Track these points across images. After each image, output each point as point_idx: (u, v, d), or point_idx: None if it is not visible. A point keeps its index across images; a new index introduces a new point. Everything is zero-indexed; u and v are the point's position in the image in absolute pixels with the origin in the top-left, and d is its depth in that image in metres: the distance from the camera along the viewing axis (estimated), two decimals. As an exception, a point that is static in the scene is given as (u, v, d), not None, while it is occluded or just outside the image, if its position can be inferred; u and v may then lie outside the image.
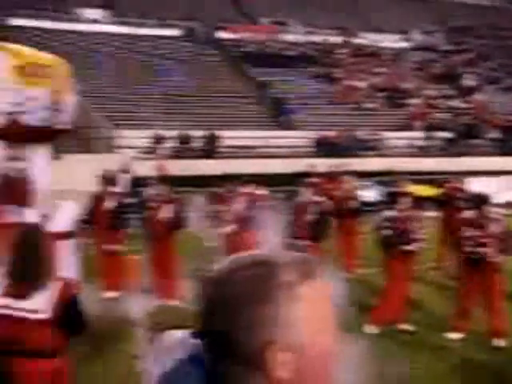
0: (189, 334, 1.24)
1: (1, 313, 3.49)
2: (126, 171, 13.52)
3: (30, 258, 3.53)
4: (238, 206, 8.93)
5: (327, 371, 1.06)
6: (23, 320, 3.44)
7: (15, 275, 3.53)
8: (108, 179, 8.91)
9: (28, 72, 6.27)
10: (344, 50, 32.69)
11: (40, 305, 3.45)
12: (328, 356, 1.05)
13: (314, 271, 1.06)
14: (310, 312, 1.03)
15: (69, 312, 3.51)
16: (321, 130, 23.37)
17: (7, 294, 3.50)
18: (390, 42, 35.20)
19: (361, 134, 23.76)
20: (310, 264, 1.08)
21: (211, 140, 21.16)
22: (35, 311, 3.44)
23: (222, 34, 32.06)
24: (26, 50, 6.87)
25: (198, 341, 1.11)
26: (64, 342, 3.61)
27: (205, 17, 32.10)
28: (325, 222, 8.47)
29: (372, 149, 23.55)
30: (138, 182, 12.62)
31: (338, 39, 34.03)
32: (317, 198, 8.65)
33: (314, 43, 33.01)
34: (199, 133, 21.06)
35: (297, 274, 1.04)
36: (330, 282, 1.09)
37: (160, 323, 6.81)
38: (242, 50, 30.59)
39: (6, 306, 3.47)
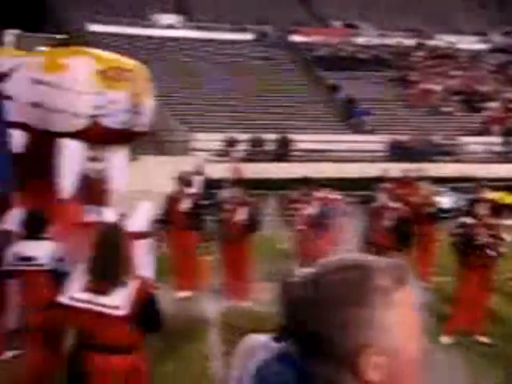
0: (270, 337, 1.24)
1: (81, 307, 3.59)
2: (199, 173, 13.71)
3: (110, 255, 3.62)
4: (312, 209, 8.89)
5: (415, 377, 1.08)
6: (102, 315, 3.52)
7: (96, 272, 3.62)
8: (183, 181, 9.06)
9: (110, 76, 6.45)
10: (419, 53, 32.04)
11: (119, 301, 3.53)
12: (416, 362, 1.07)
13: (406, 277, 1.08)
14: (403, 317, 1.05)
15: (146, 310, 3.57)
16: (394, 134, 23.01)
17: (88, 290, 3.60)
18: (467, 43, 34.23)
19: (436, 138, 23.22)
20: (403, 270, 1.09)
21: (284, 143, 21.19)
22: (114, 307, 3.52)
23: (295, 38, 32.06)
24: (108, 55, 7.09)
25: (281, 344, 1.12)
26: (140, 340, 3.68)
27: (277, 20, 32.20)
28: (404, 229, 8.29)
29: (448, 154, 22.97)
30: (211, 184, 12.76)
31: (413, 41, 33.38)
32: (393, 204, 8.49)
33: (387, 46, 32.51)
34: (272, 136, 21.14)
35: (391, 280, 1.06)
36: (415, 289, 1.10)
37: (233, 325, 6.85)
38: (314, 53, 30.49)
39: (87, 301, 3.57)
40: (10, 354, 5.52)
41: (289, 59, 30.09)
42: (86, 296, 3.59)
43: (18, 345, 5.38)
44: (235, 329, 6.57)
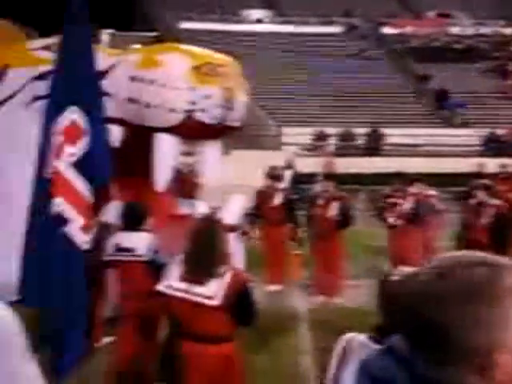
0: (369, 337, 1.21)
1: (178, 296, 3.67)
2: (289, 167, 13.74)
3: (206, 247, 3.69)
4: (406, 205, 8.68)
5: None
6: (198, 305, 3.59)
7: (192, 262, 3.70)
8: (274, 175, 9.10)
9: (204, 71, 6.55)
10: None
11: (213, 292, 3.58)
12: None
13: None
14: None
15: (240, 301, 3.60)
16: (489, 127, 22.13)
17: (184, 279, 3.67)
18: None
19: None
20: None
21: (375, 137, 20.86)
22: (210, 297, 3.57)
23: (386, 29, 31.42)
24: (202, 51, 7.20)
25: (381, 344, 1.09)
26: (233, 330, 3.72)
27: (367, 12, 31.68)
28: (503, 227, 7.94)
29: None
30: (301, 179, 12.76)
31: (510, 30, 31.92)
32: (492, 201, 8.16)
33: (483, 35, 31.27)
34: (362, 130, 20.86)
35: None
36: None
37: (324, 321, 6.81)
38: (406, 44, 29.78)
39: (183, 290, 3.64)
40: (106, 340, 5.72)
41: (380, 51, 29.53)
42: (182, 285, 3.67)
43: (115, 332, 5.56)
44: (326, 325, 6.52)
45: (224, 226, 4.57)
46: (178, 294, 3.67)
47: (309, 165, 13.70)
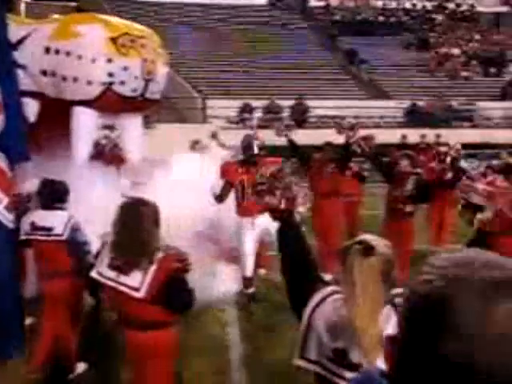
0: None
1: (108, 284, 3.53)
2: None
3: (130, 233, 3.47)
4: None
5: None
6: (124, 294, 3.44)
7: (117, 250, 3.51)
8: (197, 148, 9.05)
9: (121, 43, 6.39)
10: (438, 16, 31.40)
11: (139, 282, 3.40)
12: None
13: None
14: None
15: (169, 291, 3.40)
16: (413, 99, 22.70)
17: (112, 267, 3.50)
18: (487, 6, 33.45)
19: (455, 103, 22.89)
20: None
21: (300, 110, 21.02)
22: (134, 289, 3.41)
23: (311, 2, 31.53)
24: (120, 22, 7.00)
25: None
26: (166, 317, 3.53)
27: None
28: (425, 196, 8.25)
29: (467, 119, 22.65)
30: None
31: (432, 4, 32.69)
32: (415, 170, 8.44)
33: (405, 9, 31.89)
34: (288, 103, 20.96)
35: None
36: None
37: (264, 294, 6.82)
38: (331, 17, 30.01)
39: (112, 279, 3.48)
40: (27, 321, 5.57)
41: (304, 24, 29.62)
42: (110, 273, 3.50)
43: (37, 313, 5.43)
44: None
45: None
46: (108, 282, 3.51)
47: (234, 137, 13.60)
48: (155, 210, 3.60)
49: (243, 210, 6.93)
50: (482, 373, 0.81)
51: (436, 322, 0.85)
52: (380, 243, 2.31)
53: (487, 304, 0.84)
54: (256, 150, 7.18)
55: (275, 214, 2.87)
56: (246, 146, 7.10)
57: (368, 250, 2.26)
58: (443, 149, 10.91)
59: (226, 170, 6.94)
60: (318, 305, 2.40)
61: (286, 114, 20.93)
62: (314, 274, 2.65)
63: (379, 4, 31.92)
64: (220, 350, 5.70)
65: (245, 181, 6.97)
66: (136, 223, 3.49)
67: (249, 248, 6.94)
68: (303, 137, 17.88)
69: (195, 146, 9.14)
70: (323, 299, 2.41)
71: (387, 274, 2.27)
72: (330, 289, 2.41)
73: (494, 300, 0.84)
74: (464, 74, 26.23)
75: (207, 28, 27.27)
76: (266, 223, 6.44)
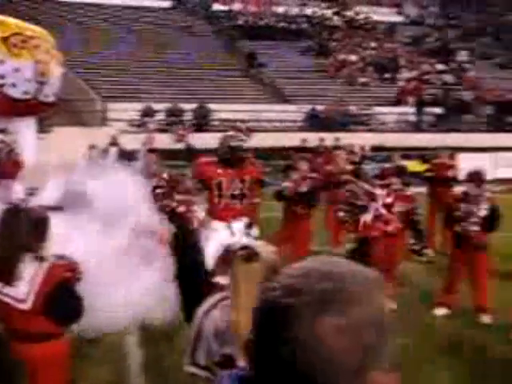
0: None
1: None
2: (114, 144, 13.46)
3: (11, 242, 3.30)
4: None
5: None
6: (10, 306, 3.30)
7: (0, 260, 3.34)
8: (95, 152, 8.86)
9: (13, 43, 6.15)
10: (337, 24, 32.36)
11: (24, 294, 3.26)
12: None
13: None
14: None
15: (54, 301, 3.26)
16: (313, 103, 23.26)
17: None
18: (383, 15, 34.84)
19: (353, 108, 23.69)
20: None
21: (202, 113, 21.02)
22: (19, 300, 3.26)
23: (215, 6, 31.61)
24: (11, 21, 6.73)
25: None
26: (55, 329, 3.40)
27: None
28: (311, 196, 8.48)
29: (364, 124, 23.50)
30: (127, 156, 12.53)
31: (331, 12, 33.63)
32: (312, 174, 8.68)
33: (306, 16, 32.63)
34: (190, 106, 20.91)
35: None
36: None
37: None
38: (234, 22, 30.21)
39: None
40: None
41: (208, 28, 29.66)
42: None
43: None
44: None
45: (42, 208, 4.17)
46: None
47: (135, 141, 13.48)
48: (38, 217, 3.44)
49: (219, 213, 6.53)
50: (306, 378, 0.87)
51: (274, 329, 0.89)
52: (265, 249, 2.36)
53: (315, 315, 0.88)
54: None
55: (173, 217, 2.88)
56: (226, 147, 6.76)
57: (251, 256, 2.30)
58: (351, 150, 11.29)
59: (203, 170, 6.59)
60: (208, 311, 2.42)
61: (188, 117, 20.88)
62: (208, 279, 2.67)
63: (281, 10, 32.48)
64: (118, 358, 5.62)
65: (223, 182, 6.68)
66: (13, 230, 3.33)
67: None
68: (204, 140, 17.98)
69: (92, 150, 8.94)
70: (213, 305, 2.43)
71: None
72: (219, 295, 2.44)
73: (320, 312, 0.88)
74: (361, 79, 27.19)
75: (109, 29, 26.69)
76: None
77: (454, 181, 10.60)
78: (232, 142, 6.72)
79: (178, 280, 2.73)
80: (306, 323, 0.88)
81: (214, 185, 6.57)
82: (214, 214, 6.58)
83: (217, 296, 2.44)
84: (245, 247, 2.32)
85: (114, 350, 5.75)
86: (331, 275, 0.93)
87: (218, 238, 6.64)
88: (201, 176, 6.59)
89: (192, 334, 2.42)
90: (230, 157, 6.62)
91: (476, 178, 7.48)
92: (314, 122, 22.19)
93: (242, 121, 19.90)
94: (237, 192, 6.52)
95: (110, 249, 4.83)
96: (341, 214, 7.63)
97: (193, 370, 2.43)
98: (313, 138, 17.48)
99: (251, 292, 2.26)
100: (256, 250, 2.30)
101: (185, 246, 2.77)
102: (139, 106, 20.04)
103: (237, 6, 31.55)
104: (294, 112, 22.61)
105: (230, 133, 8.00)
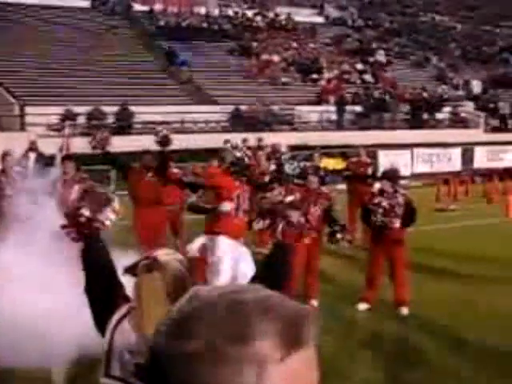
0: None
1: None
2: (33, 149, 13.09)
3: None
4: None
5: None
6: None
7: None
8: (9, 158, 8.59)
9: None
10: (258, 24, 32.59)
11: None
12: None
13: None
14: None
15: None
16: (236, 104, 23.35)
17: None
18: (304, 16, 35.32)
19: (275, 108, 23.94)
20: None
21: (125, 115, 20.71)
22: None
23: (135, 6, 31.14)
24: None
25: None
26: None
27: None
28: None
29: (286, 123, 23.81)
30: (46, 161, 12.20)
31: (252, 12, 33.81)
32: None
33: (227, 16, 32.67)
34: (112, 108, 20.56)
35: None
36: None
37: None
38: (155, 22, 29.89)
39: None
40: None
41: (129, 28, 29.21)
42: None
43: None
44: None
45: None
46: None
47: (54, 146, 13.08)
48: None
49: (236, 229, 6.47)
50: None
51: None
52: (172, 258, 2.34)
53: (178, 337, 0.84)
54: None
55: (82, 229, 2.81)
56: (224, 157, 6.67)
57: (152, 265, 2.29)
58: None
59: (224, 182, 6.52)
60: (118, 322, 2.41)
61: (110, 120, 20.54)
62: (118, 291, 2.63)
63: (202, 11, 32.40)
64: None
65: (241, 196, 6.59)
66: None
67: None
68: (127, 143, 17.73)
69: (6, 157, 8.63)
70: (124, 316, 2.42)
71: (179, 290, 2.20)
72: (128, 306, 2.43)
73: (186, 333, 0.83)
74: (283, 79, 27.51)
75: (26, 30, 25.80)
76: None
77: (372, 178, 10.92)
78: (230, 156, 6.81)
79: (87, 293, 2.69)
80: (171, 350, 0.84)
81: (234, 197, 6.60)
82: (227, 226, 6.55)
83: (125, 307, 2.43)
84: (147, 257, 2.31)
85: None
86: (197, 296, 0.86)
87: (233, 256, 6.59)
88: (214, 184, 6.62)
89: (104, 346, 2.41)
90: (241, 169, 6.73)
91: (391, 175, 7.74)
92: (238, 122, 22.30)
93: (167, 123, 19.78)
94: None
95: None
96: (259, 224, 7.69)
97: (107, 381, 2.42)
98: (236, 139, 17.55)
99: (150, 302, 2.25)
100: (161, 259, 2.29)
101: (95, 257, 2.73)
102: (59, 109, 19.51)
103: (158, 7, 31.23)
104: (218, 112, 22.64)
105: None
